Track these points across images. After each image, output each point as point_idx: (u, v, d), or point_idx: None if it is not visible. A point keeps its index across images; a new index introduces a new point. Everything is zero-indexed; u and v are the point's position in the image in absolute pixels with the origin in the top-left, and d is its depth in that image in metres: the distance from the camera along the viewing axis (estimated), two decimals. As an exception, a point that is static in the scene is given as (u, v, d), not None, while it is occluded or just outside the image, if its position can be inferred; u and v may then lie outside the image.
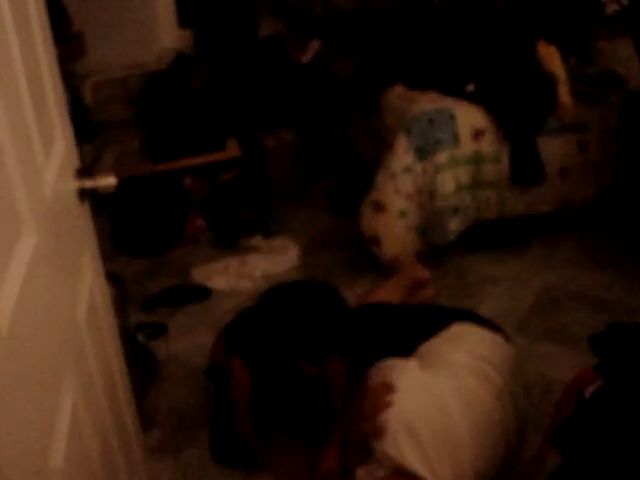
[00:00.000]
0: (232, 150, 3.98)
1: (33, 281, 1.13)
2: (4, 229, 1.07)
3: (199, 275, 3.68)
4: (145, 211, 4.00)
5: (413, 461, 2.02)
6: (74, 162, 1.73)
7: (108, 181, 1.69)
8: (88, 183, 1.69)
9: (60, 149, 1.57)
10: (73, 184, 1.66)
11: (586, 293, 3.37)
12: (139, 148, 4.16)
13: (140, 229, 3.98)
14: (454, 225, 3.47)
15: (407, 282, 3.19)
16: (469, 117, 3.46)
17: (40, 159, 1.36)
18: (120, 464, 1.67)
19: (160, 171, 3.91)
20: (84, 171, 1.72)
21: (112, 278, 2.78)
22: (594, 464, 1.57)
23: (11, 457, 0.92)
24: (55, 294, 1.30)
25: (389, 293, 3.04)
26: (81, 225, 1.71)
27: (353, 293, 3.27)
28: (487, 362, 2.25)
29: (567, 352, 2.97)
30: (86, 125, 4.18)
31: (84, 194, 1.70)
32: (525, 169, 3.51)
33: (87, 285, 1.62)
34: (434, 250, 3.54)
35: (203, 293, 3.56)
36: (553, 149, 3.56)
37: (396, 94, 3.69)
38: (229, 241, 3.94)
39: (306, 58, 4.65)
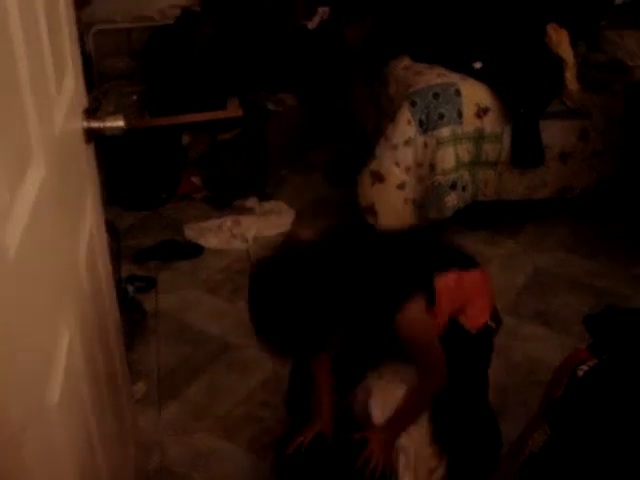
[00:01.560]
0: (233, 110, 3.95)
1: (40, 212, 1.12)
2: (16, 157, 1.05)
3: (192, 232, 3.67)
4: (141, 165, 3.96)
5: None
6: (83, 102, 1.71)
7: (116, 123, 1.68)
8: (95, 124, 1.67)
9: (70, 86, 1.55)
10: (81, 124, 1.64)
11: (577, 279, 3.38)
12: (138, 101, 4.11)
13: (135, 182, 3.95)
14: (451, 201, 3.46)
15: None
16: (474, 94, 3.44)
17: (52, 93, 1.34)
18: (108, 408, 1.67)
19: (158, 125, 3.88)
20: (92, 112, 1.70)
21: (108, 226, 2.77)
22: (586, 442, 1.58)
23: (12, 388, 0.91)
24: (59, 231, 1.29)
25: None
26: (85, 167, 1.69)
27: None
28: None
29: (554, 334, 2.99)
30: (86, 74, 4.13)
31: (91, 135, 1.68)
32: (525, 151, 3.50)
33: (88, 228, 1.61)
34: (430, 225, 3.53)
35: (195, 250, 3.54)
36: (555, 133, 3.55)
37: (402, 65, 3.67)
38: (224, 201, 3.92)
39: (312, 24, 4.60)
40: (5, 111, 1.01)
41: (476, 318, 2.11)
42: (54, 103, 1.35)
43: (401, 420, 2.06)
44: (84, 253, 1.51)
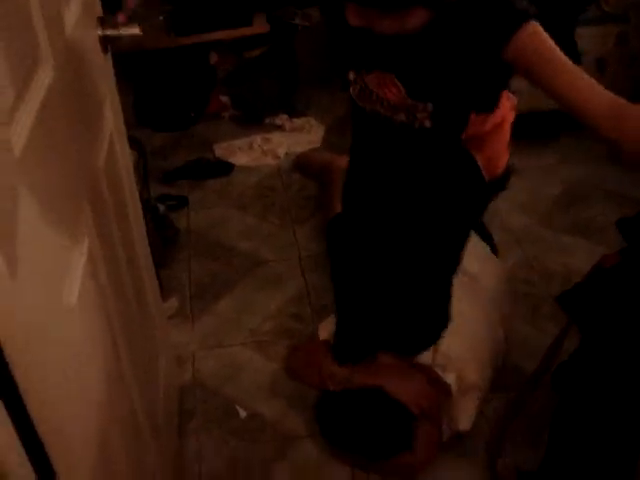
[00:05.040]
0: (259, 26, 3.86)
1: (49, 115, 1.10)
2: (23, 56, 1.04)
3: (222, 151, 3.65)
4: (169, 85, 3.93)
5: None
6: (97, 10, 1.68)
7: (131, 30, 1.65)
8: (110, 31, 1.65)
9: None
10: (95, 31, 1.61)
11: (613, 189, 3.30)
12: (165, 21, 4.05)
13: (164, 103, 3.93)
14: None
15: None
16: (507, 0, 3.33)
17: None
18: (135, 319, 1.68)
19: (184, 44, 3.82)
20: (107, 21, 1.66)
21: (134, 142, 2.76)
22: (611, 335, 1.56)
23: (27, 285, 0.90)
24: (71, 135, 1.27)
25: None
26: (102, 75, 1.66)
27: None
28: (475, 279, 2.38)
29: (590, 244, 2.94)
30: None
31: (107, 42, 1.65)
32: (561, 58, 3.39)
33: (107, 134, 1.59)
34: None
35: (225, 168, 3.52)
36: (591, 39, 3.43)
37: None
38: (253, 118, 3.88)
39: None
40: (8, 9, 0.98)
41: (495, 162, 2.05)
42: (63, 6, 1.32)
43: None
44: (103, 161, 1.50)
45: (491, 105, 1.80)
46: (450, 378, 2.15)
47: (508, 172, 2.14)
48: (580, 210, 3.18)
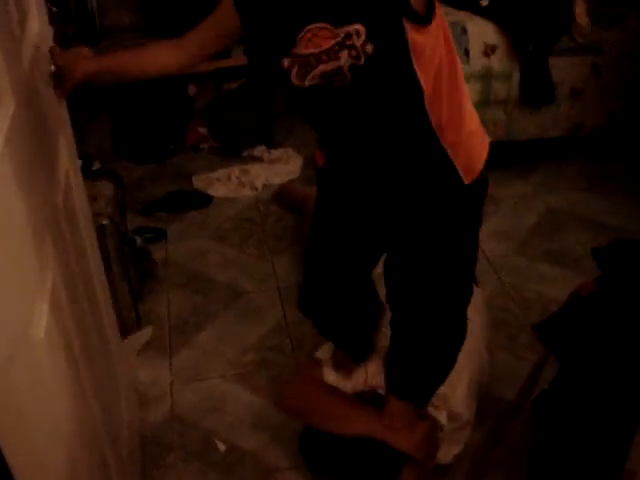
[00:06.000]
0: (237, 58, 3.89)
1: (13, 147, 1.11)
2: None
3: (200, 183, 3.65)
4: (147, 117, 3.93)
5: None
6: (49, 44, 1.69)
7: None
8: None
9: (35, 27, 1.54)
10: (49, 66, 1.63)
11: (589, 217, 3.34)
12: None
13: (142, 135, 3.93)
14: (460, 142, 3.41)
15: None
16: (481, 32, 3.37)
17: (16, 32, 1.32)
18: (97, 349, 1.68)
19: (163, 76, 3.83)
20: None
21: (111, 175, 2.76)
22: (587, 362, 1.57)
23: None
24: (33, 170, 1.28)
25: None
26: (57, 110, 1.68)
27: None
28: None
29: (567, 273, 2.96)
30: (91, 29, 4.09)
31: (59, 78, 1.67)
32: (535, 89, 3.44)
33: (63, 170, 1.60)
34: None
35: (204, 200, 3.53)
36: (565, 70, 3.48)
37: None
38: (232, 150, 3.89)
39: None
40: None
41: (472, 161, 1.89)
42: (19, 40, 1.34)
43: None
44: (61, 196, 1.51)
45: (421, 12, 1.73)
46: (442, 416, 2.13)
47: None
48: (557, 239, 3.20)
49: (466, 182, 1.86)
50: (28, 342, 1.05)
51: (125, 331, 2.62)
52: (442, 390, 2.13)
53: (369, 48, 1.66)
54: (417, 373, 2.09)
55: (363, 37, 1.66)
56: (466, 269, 2.04)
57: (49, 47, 1.65)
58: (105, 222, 2.48)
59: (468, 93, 1.91)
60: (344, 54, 1.68)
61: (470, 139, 1.88)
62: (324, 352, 2.37)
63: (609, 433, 1.63)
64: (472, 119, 1.91)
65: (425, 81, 1.71)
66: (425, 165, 1.84)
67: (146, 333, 2.71)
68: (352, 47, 1.68)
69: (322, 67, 1.73)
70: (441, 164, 1.82)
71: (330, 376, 2.30)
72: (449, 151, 1.80)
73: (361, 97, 1.77)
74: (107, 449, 1.58)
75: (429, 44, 1.70)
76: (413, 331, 2.04)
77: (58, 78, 1.66)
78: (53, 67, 1.62)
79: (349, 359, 2.30)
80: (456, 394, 2.16)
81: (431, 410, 2.13)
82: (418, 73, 1.68)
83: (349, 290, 2.17)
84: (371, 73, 1.70)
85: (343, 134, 1.87)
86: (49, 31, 1.72)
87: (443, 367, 2.09)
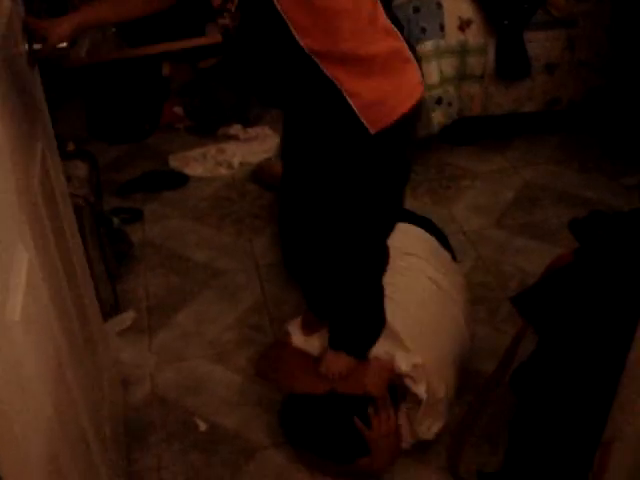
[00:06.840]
0: (212, 36, 3.85)
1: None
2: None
3: (176, 162, 3.62)
4: (122, 97, 3.89)
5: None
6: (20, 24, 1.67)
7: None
8: (37, 45, 1.64)
9: (6, 6, 1.51)
10: (23, 46, 1.61)
11: (566, 191, 3.35)
12: (116, 33, 4.02)
13: (117, 116, 3.89)
14: (437, 117, 3.40)
15: None
16: (456, 7, 3.36)
17: None
18: (77, 331, 1.67)
19: (136, 56, 3.80)
20: (32, 35, 1.66)
21: (86, 156, 2.73)
22: (563, 334, 1.58)
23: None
24: (11, 148, 1.26)
25: None
26: (32, 92, 1.66)
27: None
28: (441, 286, 2.40)
29: (545, 246, 2.98)
30: (64, 8, 4.05)
31: (33, 56, 1.64)
32: (511, 63, 3.43)
33: (39, 150, 1.59)
34: (416, 143, 3.48)
35: (180, 180, 3.50)
36: (540, 44, 3.47)
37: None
38: (207, 129, 3.86)
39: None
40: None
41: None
42: None
43: None
44: (37, 176, 1.49)
45: None
46: (420, 390, 2.14)
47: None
48: (534, 212, 3.21)
49: (372, 131, 1.73)
50: (3, 324, 1.04)
51: (103, 313, 2.60)
52: (421, 363, 2.14)
53: None
54: (339, 321, 2.24)
55: None
56: (367, 225, 1.97)
57: (22, 18, 1.63)
58: (80, 203, 2.46)
59: (397, 36, 1.82)
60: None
61: (381, 79, 1.75)
62: (294, 324, 2.43)
63: (587, 404, 1.64)
64: (389, 63, 1.77)
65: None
66: (313, 91, 1.74)
67: (128, 317, 2.69)
68: None
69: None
70: (331, 96, 1.70)
71: (298, 341, 2.38)
72: (342, 88, 1.69)
73: (247, 32, 1.83)
74: (89, 431, 1.57)
75: None
76: (323, 277, 2.21)
77: (33, 47, 1.63)
78: (27, 40, 1.60)
79: (317, 320, 2.37)
80: (436, 368, 2.18)
81: (409, 382, 2.14)
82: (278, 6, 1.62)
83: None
84: (245, 9, 1.82)
85: (254, 69, 1.89)
86: (20, 6, 1.68)
87: (362, 314, 2.18)
